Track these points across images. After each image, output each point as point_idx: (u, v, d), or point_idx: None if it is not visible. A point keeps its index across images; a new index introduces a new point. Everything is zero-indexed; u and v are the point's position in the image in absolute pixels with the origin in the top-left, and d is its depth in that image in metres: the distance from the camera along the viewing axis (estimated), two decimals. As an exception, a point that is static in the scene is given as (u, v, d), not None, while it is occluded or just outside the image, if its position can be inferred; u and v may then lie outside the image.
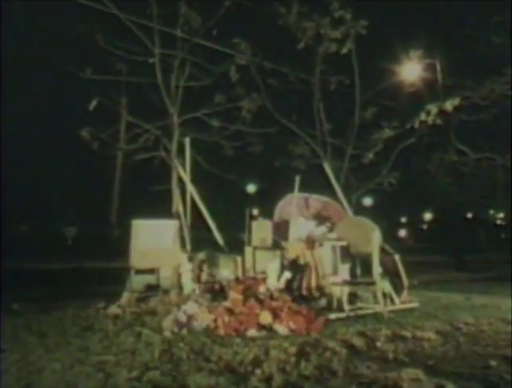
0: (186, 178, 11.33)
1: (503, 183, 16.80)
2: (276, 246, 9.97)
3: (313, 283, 8.62)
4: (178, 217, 10.99)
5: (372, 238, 8.84)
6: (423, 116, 12.34)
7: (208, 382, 4.90)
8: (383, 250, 9.25)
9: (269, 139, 15.21)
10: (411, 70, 15.48)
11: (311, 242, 9.12)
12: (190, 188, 10.89)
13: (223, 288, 8.71)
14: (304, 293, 8.53)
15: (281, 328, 7.11)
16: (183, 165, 11.59)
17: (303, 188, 10.71)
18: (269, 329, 7.17)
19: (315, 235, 9.86)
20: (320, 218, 10.51)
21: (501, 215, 53.59)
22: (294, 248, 9.05)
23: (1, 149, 18.80)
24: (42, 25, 16.97)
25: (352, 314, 8.11)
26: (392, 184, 14.52)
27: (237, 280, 8.71)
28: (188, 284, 9.43)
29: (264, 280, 8.23)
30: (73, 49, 14.63)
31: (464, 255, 21.57)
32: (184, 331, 7.33)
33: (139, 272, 9.70)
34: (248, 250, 9.83)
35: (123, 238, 10.23)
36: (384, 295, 8.65)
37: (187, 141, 11.29)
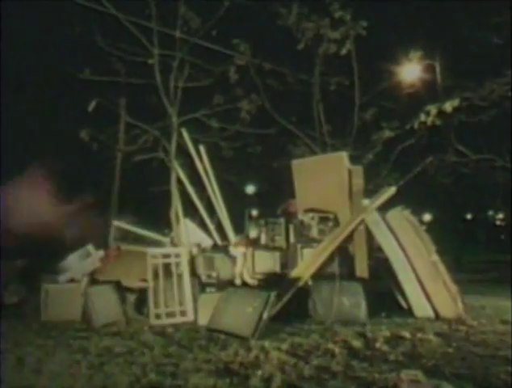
0: (185, 179, 11.33)
1: (503, 184, 16.75)
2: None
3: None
4: (176, 218, 10.98)
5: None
6: (423, 117, 12.31)
7: (208, 383, 4.89)
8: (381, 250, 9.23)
9: (268, 140, 15.21)
10: (410, 71, 15.44)
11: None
12: (216, 190, 10.93)
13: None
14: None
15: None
16: (182, 166, 11.61)
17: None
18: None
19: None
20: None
21: (501, 216, 53.61)
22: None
23: (0, 150, 18.77)
24: (40, 25, 16.96)
25: None
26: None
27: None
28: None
29: None
30: (71, 50, 14.61)
31: (463, 256, 21.56)
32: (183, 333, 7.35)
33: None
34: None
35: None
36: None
37: (202, 148, 11.32)
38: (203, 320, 7.95)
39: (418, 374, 5.00)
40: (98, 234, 10.39)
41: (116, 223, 10.35)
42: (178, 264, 8.88)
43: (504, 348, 6.24)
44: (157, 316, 8.46)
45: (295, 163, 11.03)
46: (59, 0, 13.66)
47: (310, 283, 8.57)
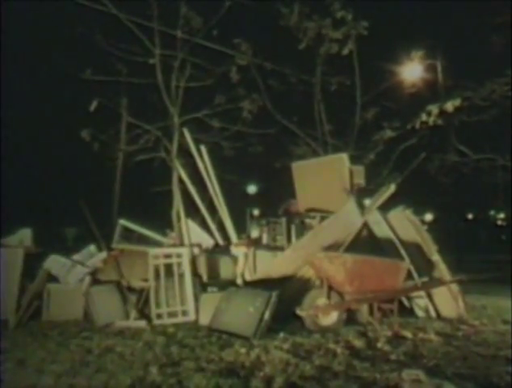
0: (187, 179, 11.34)
1: (504, 184, 16.77)
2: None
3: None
4: (178, 218, 11.00)
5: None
6: (424, 117, 12.30)
7: (210, 383, 4.90)
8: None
9: (269, 140, 15.19)
10: (412, 71, 15.47)
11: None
12: (217, 190, 10.93)
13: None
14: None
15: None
16: (183, 166, 11.62)
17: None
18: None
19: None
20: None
21: (502, 216, 53.56)
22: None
23: (0, 150, 18.79)
24: (42, 25, 16.97)
25: None
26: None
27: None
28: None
29: None
30: (72, 50, 14.60)
31: (464, 255, 21.56)
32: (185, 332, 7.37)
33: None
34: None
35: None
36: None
37: (203, 149, 11.36)
38: (204, 320, 7.97)
39: (420, 374, 5.01)
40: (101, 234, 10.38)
41: (122, 222, 10.35)
42: (179, 264, 8.89)
43: (505, 348, 6.25)
44: (159, 316, 8.48)
45: (295, 166, 11.04)
46: (60, 0, 13.68)
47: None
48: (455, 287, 8.49)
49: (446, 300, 8.43)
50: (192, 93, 12.89)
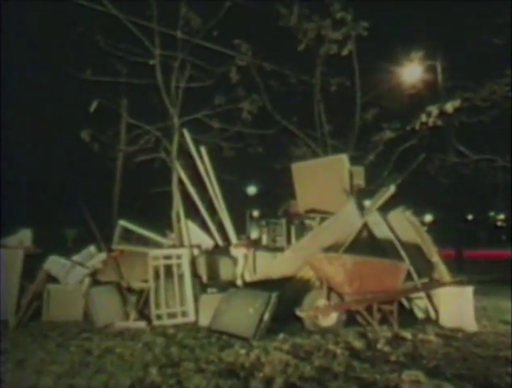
0: (187, 180, 11.33)
1: (503, 185, 16.75)
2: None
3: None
4: (177, 218, 10.99)
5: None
6: (424, 118, 12.31)
7: (209, 384, 4.90)
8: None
9: (269, 140, 15.20)
10: (412, 72, 15.47)
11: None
12: (217, 191, 10.94)
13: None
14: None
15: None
16: (183, 167, 11.62)
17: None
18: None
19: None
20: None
21: (502, 216, 53.65)
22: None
23: (0, 150, 18.78)
24: (42, 25, 16.97)
25: None
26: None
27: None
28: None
29: None
30: (73, 50, 14.60)
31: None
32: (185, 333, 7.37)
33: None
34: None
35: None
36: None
37: (203, 149, 11.38)
38: (204, 321, 7.97)
39: (419, 375, 5.01)
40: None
41: (122, 223, 10.34)
42: (179, 265, 8.89)
43: (505, 349, 6.24)
44: (159, 317, 8.48)
45: (295, 166, 11.05)
46: (60, 0, 13.67)
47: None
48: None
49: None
50: (192, 94, 12.88)
